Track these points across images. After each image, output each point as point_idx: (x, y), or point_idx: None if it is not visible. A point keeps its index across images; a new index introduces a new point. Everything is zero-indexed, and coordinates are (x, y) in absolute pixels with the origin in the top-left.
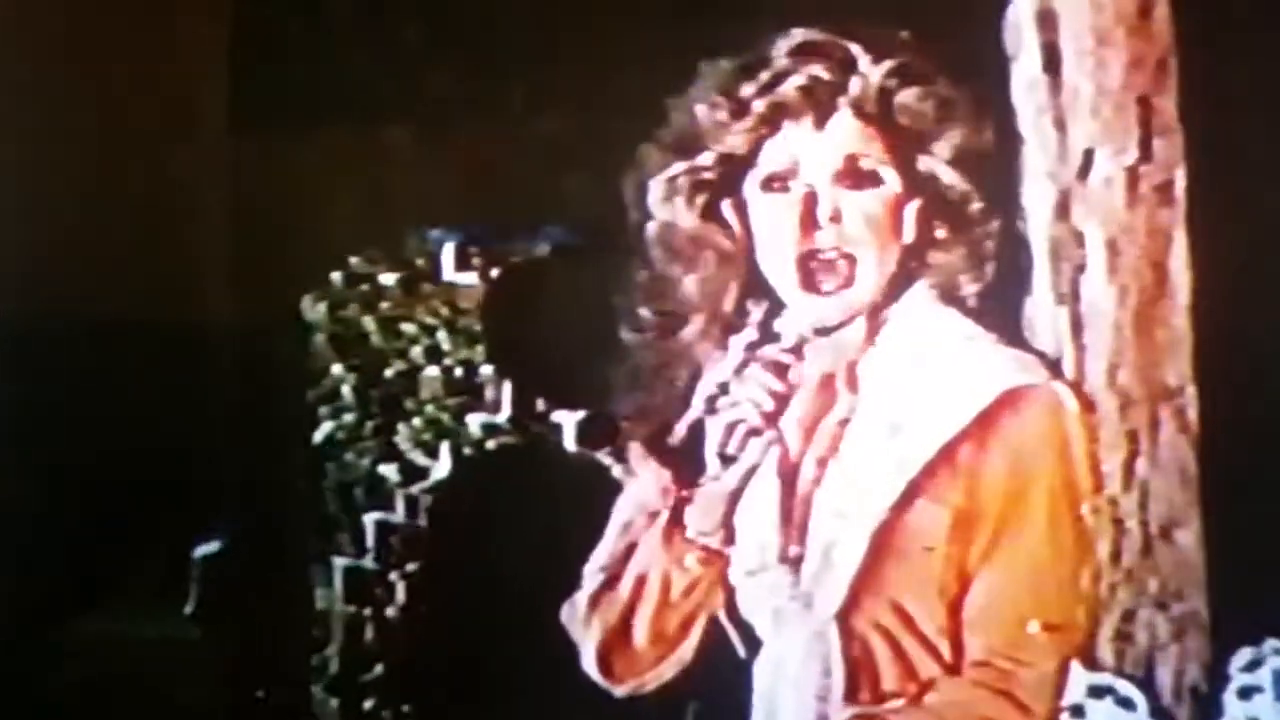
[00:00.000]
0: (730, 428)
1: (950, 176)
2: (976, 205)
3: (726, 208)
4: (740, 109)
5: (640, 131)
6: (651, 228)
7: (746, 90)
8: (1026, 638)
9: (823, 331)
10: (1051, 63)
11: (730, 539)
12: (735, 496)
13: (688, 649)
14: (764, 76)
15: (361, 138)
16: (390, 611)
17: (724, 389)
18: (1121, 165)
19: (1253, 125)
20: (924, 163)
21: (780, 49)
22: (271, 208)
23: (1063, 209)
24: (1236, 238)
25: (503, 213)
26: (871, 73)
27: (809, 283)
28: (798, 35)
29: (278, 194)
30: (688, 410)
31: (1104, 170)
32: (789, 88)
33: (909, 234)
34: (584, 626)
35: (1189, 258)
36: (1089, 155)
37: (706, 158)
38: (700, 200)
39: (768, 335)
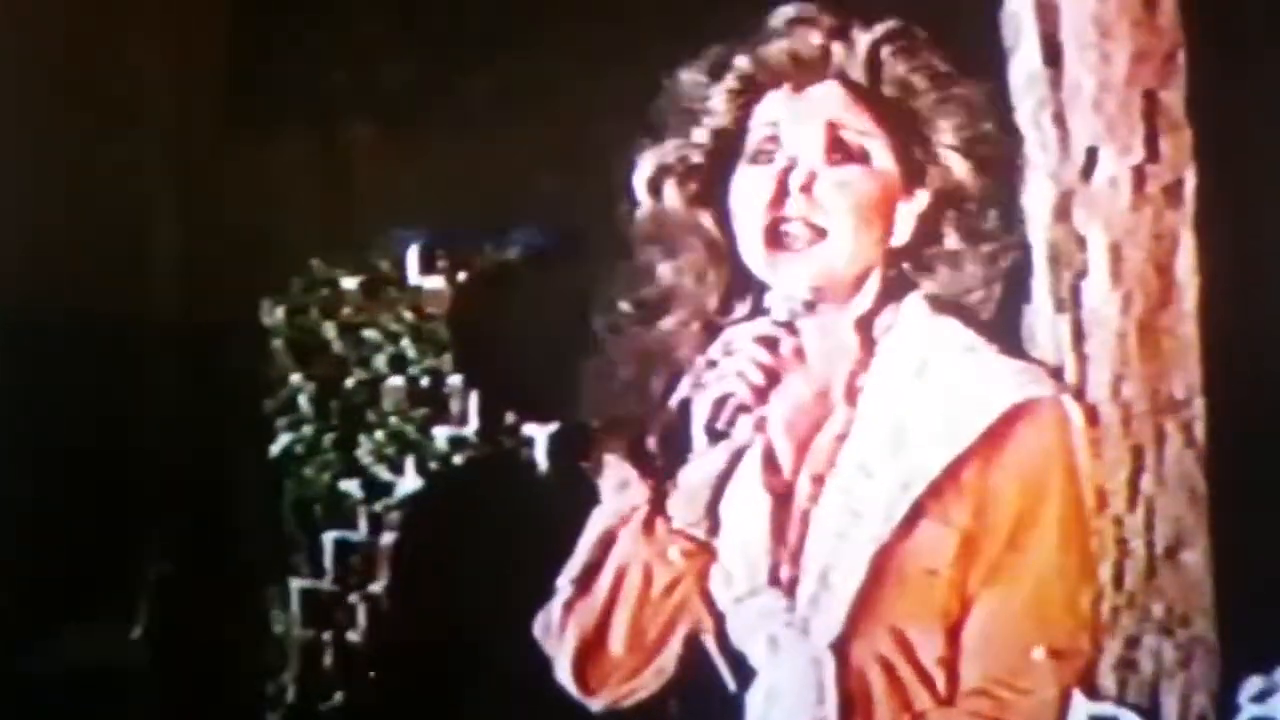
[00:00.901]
0: (719, 402)
1: (961, 168)
2: (994, 215)
3: (722, 196)
4: (722, 71)
5: (616, 129)
6: (637, 213)
7: (734, 59)
8: (1028, 664)
9: (813, 301)
10: (1052, 55)
11: (715, 529)
12: (721, 482)
13: (669, 659)
14: (756, 39)
15: (322, 134)
16: (351, 635)
17: (712, 364)
18: (1126, 164)
19: (1265, 122)
20: (928, 150)
21: (774, 20)
22: (227, 207)
23: (1063, 210)
24: (1247, 242)
25: (471, 214)
26: (861, 39)
27: (774, 242)
28: (790, 10)
29: (234, 193)
30: (663, 414)
31: (1108, 170)
32: (772, 49)
33: (902, 234)
34: (558, 635)
35: (1197, 262)
36: (1092, 154)
37: (699, 135)
38: (691, 185)
39: (757, 312)
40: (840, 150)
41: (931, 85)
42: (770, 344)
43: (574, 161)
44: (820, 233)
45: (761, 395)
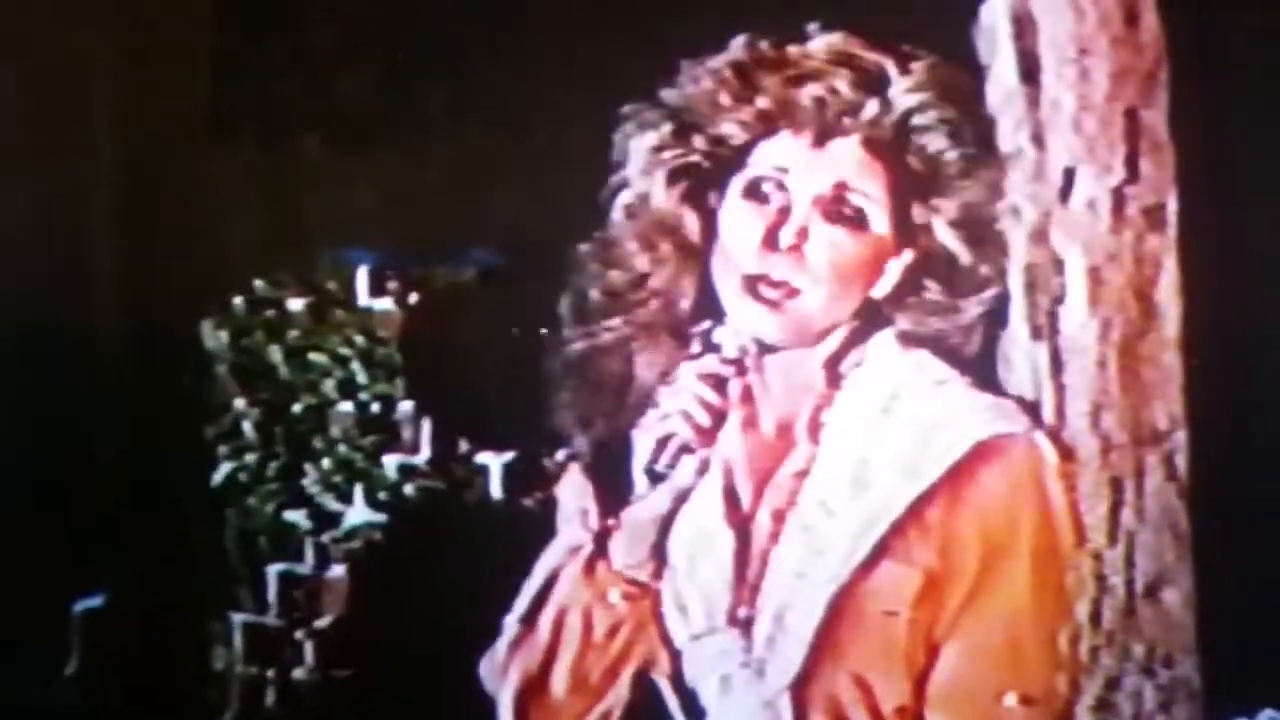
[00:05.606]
0: (661, 442)
1: (950, 240)
2: (982, 271)
3: (711, 200)
4: (747, 95)
5: (575, 143)
6: (624, 195)
7: (764, 79)
8: (1000, 712)
9: (766, 350)
10: (1029, 72)
11: (660, 571)
12: (666, 523)
13: (614, 702)
14: (789, 72)
15: (267, 148)
16: (297, 673)
17: (652, 401)
18: (1106, 186)
19: (1250, 143)
20: (920, 214)
21: (819, 47)
22: (166, 223)
23: (1040, 233)
24: (1232, 266)
25: (424, 232)
26: (898, 101)
27: (751, 291)
28: (837, 40)
29: (173, 209)
30: (627, 415)
31: (1086, 191)
32: (804, 92)
33: (885, 286)
34: (502, 676)
35: (1179, 288)
36: (1070, 175)
37: (700, 140)
38: (681, 183)
39: (707, 347)
40: (839, 209)
41: (960, 163)
42: (717, 383)
43: (531, 179)
44: (794, 292)
45: (706, 436)
